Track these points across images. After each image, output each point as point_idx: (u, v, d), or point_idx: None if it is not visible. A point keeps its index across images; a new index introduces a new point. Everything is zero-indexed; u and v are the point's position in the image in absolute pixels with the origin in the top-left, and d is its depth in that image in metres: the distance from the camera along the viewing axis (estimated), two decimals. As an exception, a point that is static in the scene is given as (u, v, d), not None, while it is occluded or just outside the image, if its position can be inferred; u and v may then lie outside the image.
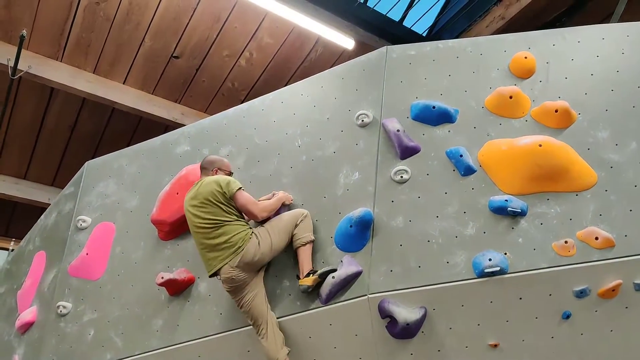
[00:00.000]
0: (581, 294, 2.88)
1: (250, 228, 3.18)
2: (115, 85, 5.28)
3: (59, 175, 6.47)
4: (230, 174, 3.42)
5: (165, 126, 5.89)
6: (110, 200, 4.12)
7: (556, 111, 3.22)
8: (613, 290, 2.85)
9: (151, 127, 5.87)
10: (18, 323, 3.97)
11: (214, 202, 3.11)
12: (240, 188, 3.18)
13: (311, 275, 3.05)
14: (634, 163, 3.05)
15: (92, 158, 4.43)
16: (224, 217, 3.09)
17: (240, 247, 3.04)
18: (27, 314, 3.98)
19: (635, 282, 2.85)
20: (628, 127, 3.15)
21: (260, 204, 3.23)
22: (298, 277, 3.12)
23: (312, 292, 3.11)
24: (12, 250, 7.61)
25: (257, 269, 3.12)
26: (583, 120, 3.24)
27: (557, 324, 2.95)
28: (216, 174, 3.33)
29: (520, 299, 2.91)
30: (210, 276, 3.17)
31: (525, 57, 3.45)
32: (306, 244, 3.16)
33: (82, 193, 4.24)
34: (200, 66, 5.29)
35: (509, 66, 3.48)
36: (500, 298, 2.92)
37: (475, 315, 2.97)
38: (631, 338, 2.96)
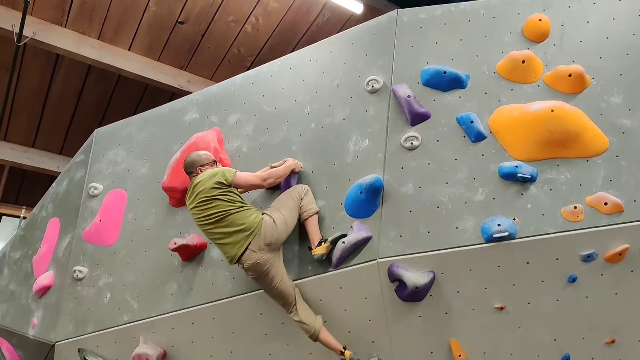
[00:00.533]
0: (588, 258, 2.92)
1: (258, 210, 3.19)
2: (120, 51, 5.23)
3: (67, 143, 6.50)
4: (214, 162, 3.35)
5: (172, 93, 5.86)
6: (120, 167, 4.15)
7: (570, 75, 3.18)
8: (620, 255, 2.89)
9: (157, 94, 5.85)
10: (35, 287, 4.08)
11: (215, 196, 3.09)
12: (235, 172, 3.19)
13: (323, 243, 3.10)
14: (647, 129, 3.03)
15: (99, 126, 4.45)
16: (227, 207, 3.09)
17: (254, 229, 3.05)
18: (44, 278, 4.09)
19: (643, 246, 2.88)
20: (642, 92, 3.12)
21: (262, 174, 3.25)
22: (310, 248, 3.17)
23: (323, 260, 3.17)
24: (24, 217, 7.74)
25: (277, 248, 3.14)
26: (597, 85, 3.21)
27: (562, 288, 3.01)
28: (202, 171, 3.26)
29: (528, 263, 2.96)
30: (232, 264, 3.14)
31: (540, 20, 3.39)
32: (313, 215, 3.21)
33: (92, 161, 4.28)
34: (205, 32, 5.22)
35: (522, 29, 3.43)
36: (507, 262, 2.97)
37: (483, 279, 3.02)
38: (635, 301, 3.02)
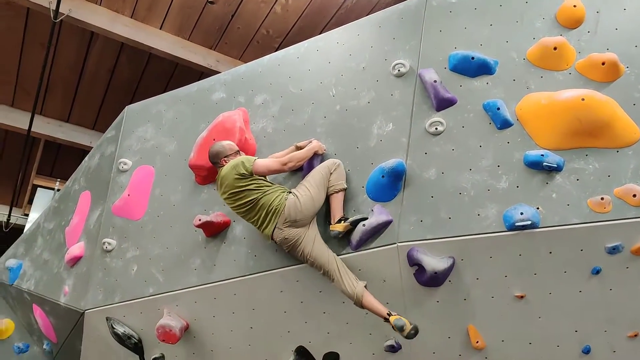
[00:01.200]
0: (614, 250, 2.88)
1: (285, 190, 3.24)
2: (152, 30, 5.31)
3: (100, 119, 6.68)
4: (237, 152, 3.41)
5: (201, 73, 5.94)
6: (149, 144, 4.26)
7: (603, 64, 3.09)
8: (647, 248, 2.84)
9: (187, 73, 5.93)
10: (67, 257, 4.25)
11: (241, 188, 3.19)
12: (255, 160, 3.25)
13: (342, 222, 3.13)
14: (681, 120, 2.93)
15: (130, 103, 4.55)
16: (255, 195, 3.18)
17: (279, 210, 3.13)
18: (76, 249, 4.25)
19: (671, 241, 2.81)
20: (678, 82, 3.01)
21: (283, 159, 3.28)
22: (329, 223, 3.21)
23: (343, 239, 3.20)
24: (58, 189, 8.02)
25: (306, 224, 3.18)
26: (630, 74, 3.11)
27: (586, 279, 2.97)
28: (227, 162, 3.33)
29: (550, 253, 2.93)
30: (269, 241, 3.30)
31: (575, 6, 3.29)
32: (339, 191, 3.23)
33: (122, 137, 4.40)
34: (235, 12, 5.24)
35: (556, 15, 3.33)
36: (529, 251, 2.95)
37: (503, 267, 3.01)
38: (660, 296, 2.97)
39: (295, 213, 3.12)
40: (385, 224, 3.12)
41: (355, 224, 3.13)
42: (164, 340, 3.59)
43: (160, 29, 5.38)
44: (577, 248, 2.93)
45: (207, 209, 3.78)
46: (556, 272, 2.98)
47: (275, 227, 3.17)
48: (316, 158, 3.43)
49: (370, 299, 3.07)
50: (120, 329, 3.85)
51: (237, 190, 3.22)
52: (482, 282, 3.06)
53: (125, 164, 4.26)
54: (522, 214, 2.89)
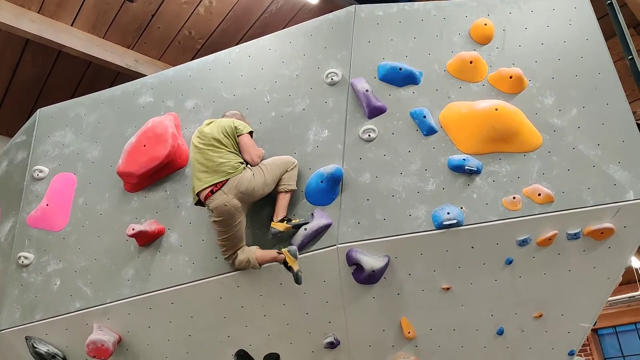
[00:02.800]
0: (523, 243, 3.27)
1: (243, 164, 3.27)
2: (62, 27, 4.95)
3: (-3, 120, 6.10)
4: (250, 133, 3.44)
5: (117, 73, 5.66)
6: (69, 150, 4.01)
7: (511, 77, 3.49)
8: (549, 240, 3.26)
9: (101, 73, 5.62)
10: (-26, 274, 3.87)
11: (226, 134, 3.27)
12: (251, 132, 3.37)
13: (285, 222, 3.23)
14: (574, 128, 3.40)
15: (35, 104, 4.24)
16: (227, 147, 3.24)
17: (231, 173, 3.16)
18: (-16, 265, 3.89)
19: (568, 232, 3.26)
20: (570, 94, 3.48)
21: (260, 152, 3.37)
22: (271, 219, 3.28)
23: (285, 243, 3.30)
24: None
25: (249, 201, 3.24)
26: (532, 87, 3.53)
27: (501, 269, 3.34)
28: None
29: (472, 247, 3.26)
30: (195, 202, 3.27)
31: (485, 24, 3.66)
32: (288, 191, 3.31)
33: (35, 142, 4.10)
34: (156, 12, 5.08)
35: (469, 32, 3.69)
36: (455, 247, 3.25)
37: (432, 263, 3.29)
38: (559, 279, 3.41)
39: (247, 185, 3.16)
40: (325, 227, 3.26)
41: (297, 227, 3.23)
42: (95, 357, 3.43)
43: (71, 25, 5.05)
44: (493, 242, 3.28)
45: (138, 217, 3.67)
46: (477, 264, 3.32)
47: (215, 185, 3.15)
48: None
49: (260, 254, 3.25)
50: (42, 348, 3.60)
51: (224, 131, 3.27)
52: (414, 277, 3.32)
53: (40, 171, 3.98)
54: (448, 213, 3.18)
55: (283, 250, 3.17)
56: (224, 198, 3.14)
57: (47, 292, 3.66)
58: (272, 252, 3.23)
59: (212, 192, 3.16)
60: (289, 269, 3.14)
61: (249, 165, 3.29)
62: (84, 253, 3.70)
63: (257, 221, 3.45)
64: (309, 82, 3.67)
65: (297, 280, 3.11)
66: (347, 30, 3.73)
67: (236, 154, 3.28)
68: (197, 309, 3.49)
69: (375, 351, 3.46)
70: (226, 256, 3.28)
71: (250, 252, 3.25)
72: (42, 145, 4.08)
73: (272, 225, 3.26)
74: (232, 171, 3.18)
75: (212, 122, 3.40)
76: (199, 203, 3.29)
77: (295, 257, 3.14)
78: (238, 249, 3.25)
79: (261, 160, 3.35)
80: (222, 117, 3.53)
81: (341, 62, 3.66)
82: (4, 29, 4.71)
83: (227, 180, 3.16)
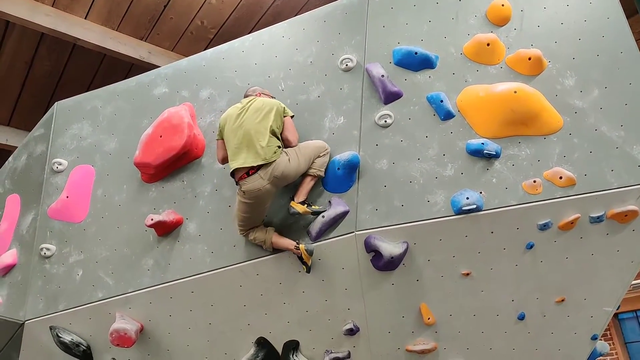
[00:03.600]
0: (544, 227, 3.22)
1: (281, 147, 3.25)
2: (76, 20, 4.97)
3: (15, 114, 6.16)
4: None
5: (131, 65, 5.68)
6: (86, 142, 4.05)
7: (529, 59, 3.41)
8: (572, 223, 3.21)
9: (115, 66, 5.64)
10: (-2, 266, 3.95)
11: (276, 112, 3.25)
12: (292, 116, 3.39)
13: (305, 205, 3.22)
14: (595, 109, 3.33)
15: (52, 97, 4.28)
16: (272, 127, 3.21)
17: (270, 158, 3.12)
18: (7, 257, 3.96)
19: (591, 215, 3.21)
20: (592, 75, 3.40)
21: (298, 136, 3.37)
22: (292, 198, 3.26)
23: (303, 231, 3.30)
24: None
25: (281, 185, 3.24)
26: (552, 68, 3.45)
27: (521, 254, 3.30)
28: (260, 96, 3.42)
29: (492, 232, 3.22)
30: (232, 173, 3.21)
31: (502, 5, 3.58)
32: (315, 177, 3.29)
33: (54, 135, 4.14)
34: (168, 3, 5.06)
35: (486, 13, 3.61)
36: (474, 232, 3.22)
37: (451, 248, 3.26)
38: (582, 264, 3.36)
39: (281, 171, 3.14)
40: (343, 214, 3.25)
41: (316, 214, 3.23)
42: (118, 345, 3.49)
43: (85, 18, 5.07)
44: (514, 227, 3.24)
45: (156, 207, 3.70)
46: (497, 249, 3.28)
47: (255, 171, 3.11)
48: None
49: (276, 239, 3.27)
50: (67, 337, 3.67)
51: (274, 110, 3.25)
52: (433, 263, 3.30)
53: (59, 164, 4.03)
54: (467, 198, 3.15)
55: (300, 246, 3.19)
56: (259, 182, 3.12)
57: (69, 283, 3.72)
58: (289, 243, 3.24)
59: (247, 174, 3.14)
60: (303, 263, 3.22)
61: (284, 149, 3.26)
62: (104, 244, 3.74)
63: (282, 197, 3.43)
64: (324, 69, 3.64)
65: (308, 272, 3.25)
66: (361, 15, 3.69)
67: (276, 137, 3.25)
68: (217, 297, 3.51)
69: (395, 337, 3.45)
70: (241, 229, 3.31)
71: (269, 235, 3.27)
72: (60, 138, 4.12)
73: (291, 204, 3.25)
74: (272, 156, 3.14)
75: (252, 100, 3.34)
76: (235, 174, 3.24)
77: (311, 254, 3.19)
78: (256, 227, 3.30)
79: None
80: (245, 95, 3.48)
81: (356, 48, 3.62)
82: (19, 24, 4.74)
83: (266, 164, 3.13)
